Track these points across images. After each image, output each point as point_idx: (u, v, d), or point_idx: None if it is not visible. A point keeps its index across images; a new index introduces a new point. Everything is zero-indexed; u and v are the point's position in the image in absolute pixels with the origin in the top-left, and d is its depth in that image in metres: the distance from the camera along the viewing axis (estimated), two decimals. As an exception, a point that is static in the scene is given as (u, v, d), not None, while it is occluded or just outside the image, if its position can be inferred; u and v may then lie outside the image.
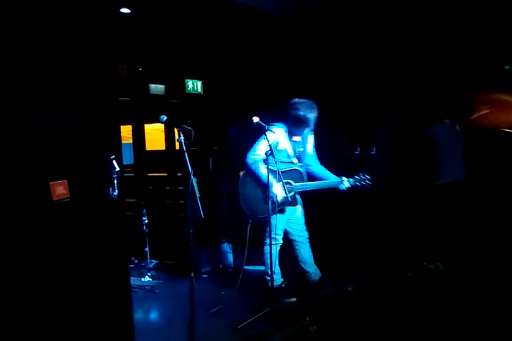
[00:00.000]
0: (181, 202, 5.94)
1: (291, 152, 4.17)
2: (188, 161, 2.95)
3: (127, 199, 5.76)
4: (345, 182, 4.06)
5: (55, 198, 2.41)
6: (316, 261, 4.40)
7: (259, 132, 4.03)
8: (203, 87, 6.46)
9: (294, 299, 4.17)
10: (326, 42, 5.64)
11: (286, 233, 4.34)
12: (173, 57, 5.99)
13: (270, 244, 3.89)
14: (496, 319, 3.51)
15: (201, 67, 6.27)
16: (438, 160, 5.08)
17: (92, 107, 2.76)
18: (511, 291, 3.94)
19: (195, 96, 6.38)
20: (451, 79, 5.28)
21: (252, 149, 4.13)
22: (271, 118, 4.17)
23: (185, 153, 2.96)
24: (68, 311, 2.50)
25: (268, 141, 3.76)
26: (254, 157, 4.10)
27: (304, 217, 4.38)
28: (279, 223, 4.10)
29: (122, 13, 4.80)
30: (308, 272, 4.32)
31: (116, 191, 3.78)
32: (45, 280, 2.40)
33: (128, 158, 6.43)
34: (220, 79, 6.35)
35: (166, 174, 6.64)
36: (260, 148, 4.07)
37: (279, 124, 4.16)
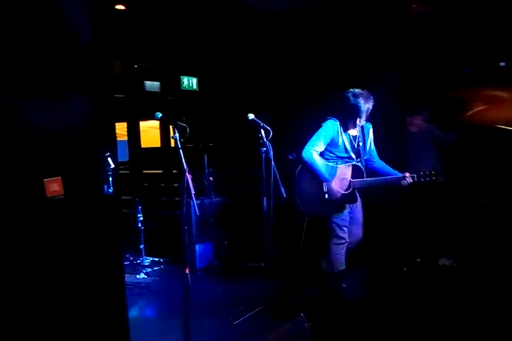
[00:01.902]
0: (177, 199, 5.94)
1: (348, 147, 4.02)
2: (183, 158, 2.94)
3: (122, 197, 5.78)
4: (408, 178, 3.88)
5: (49, 195, 2.40)
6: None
7: (317, 125, 3.99)
8: (199, 83, 6.46)
9: None
10: (322, 40, 5.63)
11: None
12: (168, 54, 5.98)
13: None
14: (488, 314, 3.52)
15: (196, 64, 6.26)
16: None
17: (87, 104, 2.74)
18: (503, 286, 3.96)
19: (190, 93, 6.38)
20: (446, 75, 5.29)
21: (310, 142, 3.98)
22: (323, 111, 4.13)
23: (180, 150, 2.95)
24: (62, 307, 2.50)
25: (263, 138, 3.73)
26: (311, 151, 3.95)
27: (363, 218, 4.22)
28: (342, 221, 4.02)
29: (117, 9, 4.79)
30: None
31: (111, 188, 3.79)
32: (38, 277, 2.39)
33: (123, 155, 6.43)
34: (215, 76, 6.34)
35: (161, 171, 6.65)
36: (318, 142, 3.97)
37: (333, 118, 4.04)
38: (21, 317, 2.31)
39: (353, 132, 4.06)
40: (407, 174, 3.90)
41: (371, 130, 4.17)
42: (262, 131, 3.75)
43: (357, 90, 3.93)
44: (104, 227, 2.79)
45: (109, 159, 3.90)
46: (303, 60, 5.71)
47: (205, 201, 5.25)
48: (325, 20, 5.38)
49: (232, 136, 6.36)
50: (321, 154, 4.05)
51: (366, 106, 3.89)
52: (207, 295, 4.34)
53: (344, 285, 3.28)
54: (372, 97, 3.93)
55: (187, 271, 2.93)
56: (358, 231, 4.18)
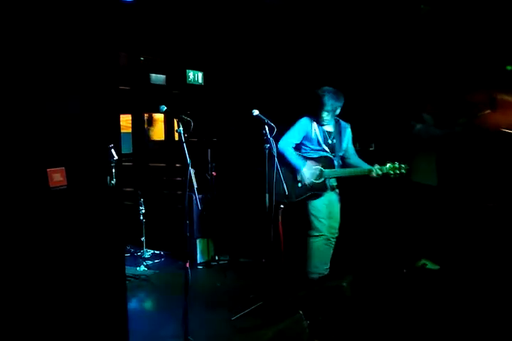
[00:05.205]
0: (179, 192, 5.95)
1: (321, 140, 4.25)
2: (186, 152, 2.94)
3: (125, 189, 5.79)
4: (377, 170, 4.08)
5: (52, 185, 2.41)
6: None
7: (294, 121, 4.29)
8: (204, 78, 6.44)
9: None
10: (328, 35, 5.60)
11: None
12: (174, 47, 5.97)
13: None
14: (488, 316, 3.52)
15: (203, 58, 6.25)
16: None
17: (92, 95, 2.74)
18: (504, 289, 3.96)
19: (195, 87, 6.37)
20: (452, 79, 5.26)
21: (284, 136, 4.26)
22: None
23: (184, 144, 2.95)
24: (62, 298, 2.50)
25: (267, 134, 3.74)
26: (285, 142, 4.23)
27: (339, 214, 4.37)
28: (319, 212, 4.21)
29: (125, 1, 4.77)
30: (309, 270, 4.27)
31: (114, 180, 3.78)
32: (39, 267, 2.40)
33: (127, 148, 6.43)
34: (221, 71, 6.32)
35: (164, 164, 6.65)
36: (291, 135, 4.25)
37: (307, 116, 4.30)
38: (22, 305, 2.33)
39: (327, 128, 4.30)
40: (377, 166, 4.12)
41: (348, 130, 4.41)
42: (266, 128, 3.76)
43: (326, 87, 4.18)
44: (107, 219, 2.79)
45: (113, 151, 3.89)
46: (309, 56, 5.70)
47: (208, 196, 5.26)
48: (327, 17, 5.36)
49: (236, 131, 6.35)
50: (298, 148, 4.31)
51: (331, 101, 4.11)
52: (206, 290, 4.35)
53: (344, 284, 3.28)
54: (342, 98, 4.20)
55: (187, 265, 2.94)
56: (335, 226, 4.33)
